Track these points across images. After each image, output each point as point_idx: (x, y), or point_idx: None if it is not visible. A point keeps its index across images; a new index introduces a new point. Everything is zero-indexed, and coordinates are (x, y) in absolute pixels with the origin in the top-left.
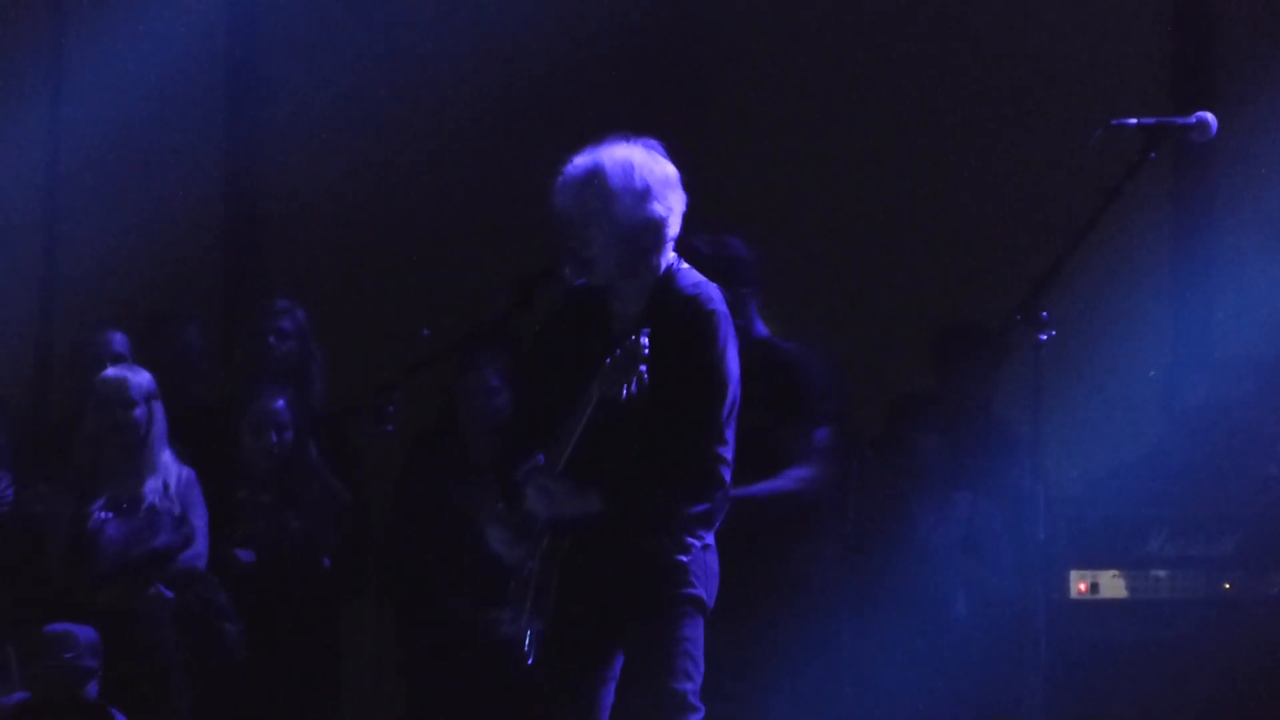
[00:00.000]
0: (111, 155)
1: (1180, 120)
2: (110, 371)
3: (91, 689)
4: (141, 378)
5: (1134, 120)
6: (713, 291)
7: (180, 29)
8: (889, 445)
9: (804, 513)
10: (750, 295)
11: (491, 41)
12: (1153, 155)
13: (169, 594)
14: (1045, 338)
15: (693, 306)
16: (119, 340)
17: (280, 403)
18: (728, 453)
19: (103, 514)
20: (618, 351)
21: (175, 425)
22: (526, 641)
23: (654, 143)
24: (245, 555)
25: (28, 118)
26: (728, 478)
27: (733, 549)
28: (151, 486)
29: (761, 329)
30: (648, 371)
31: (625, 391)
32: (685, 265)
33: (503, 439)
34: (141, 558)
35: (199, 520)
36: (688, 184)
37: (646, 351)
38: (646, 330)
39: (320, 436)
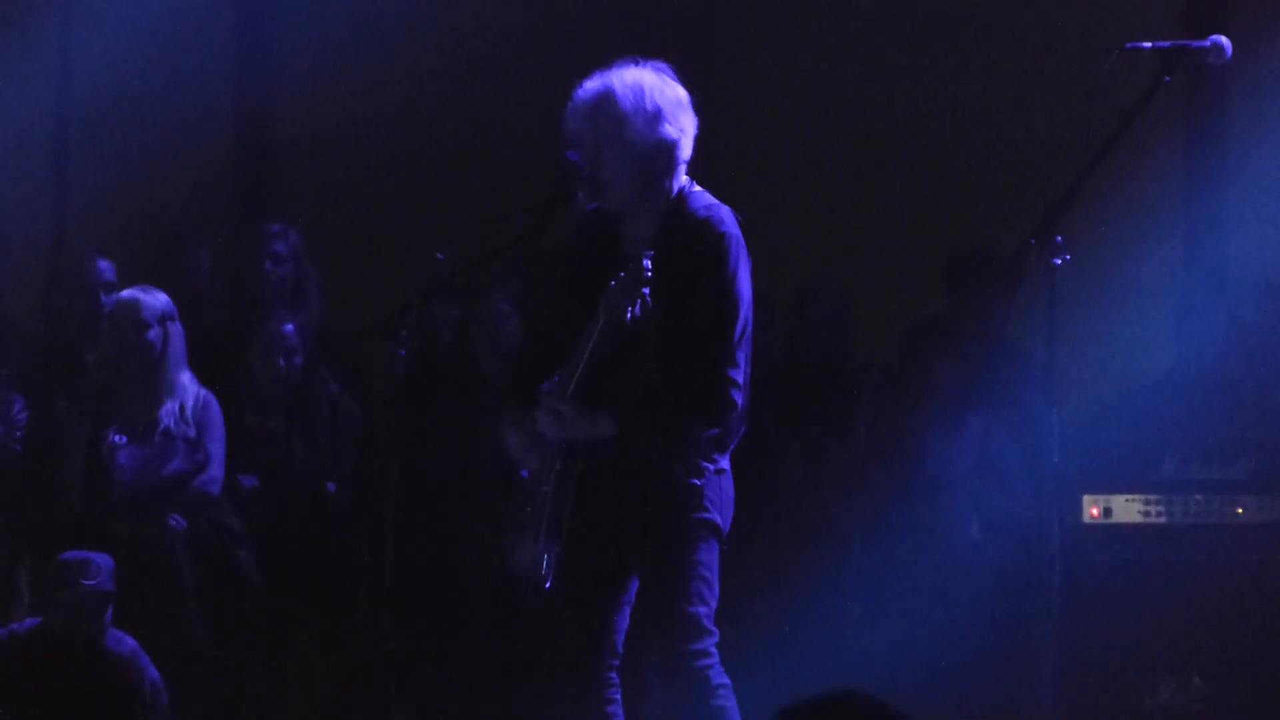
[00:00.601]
0: (122, 79)
1: (1195, 44)
2: (125, 293)
3: (108, 613)
4: (157, 299)
5: (1149, 44)
6: (724, 214)
7: None
8: (902, 370)
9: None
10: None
11: None
12: (1168, 79)
13: (181, 524)
14: (1060, 262)
15: (704, 228)
16: (107, 267)
17: (289, 327)
18: (739, 375)
19: (117, 438)
20: (621, 274)
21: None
22: (544, 564)
23: (664, 65)
24: (247, 480)
25: (38, 44)
26: (740, 400)
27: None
28: (167, 410)
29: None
30: (659, 294)
31: (629, 314)
32: (697, 188)
33: (516, 363)
34: (154, 485)
35: (215, 445)
36: (700, 113)
37: (649, 274)
38: (650, 253)
39: (329, 357)
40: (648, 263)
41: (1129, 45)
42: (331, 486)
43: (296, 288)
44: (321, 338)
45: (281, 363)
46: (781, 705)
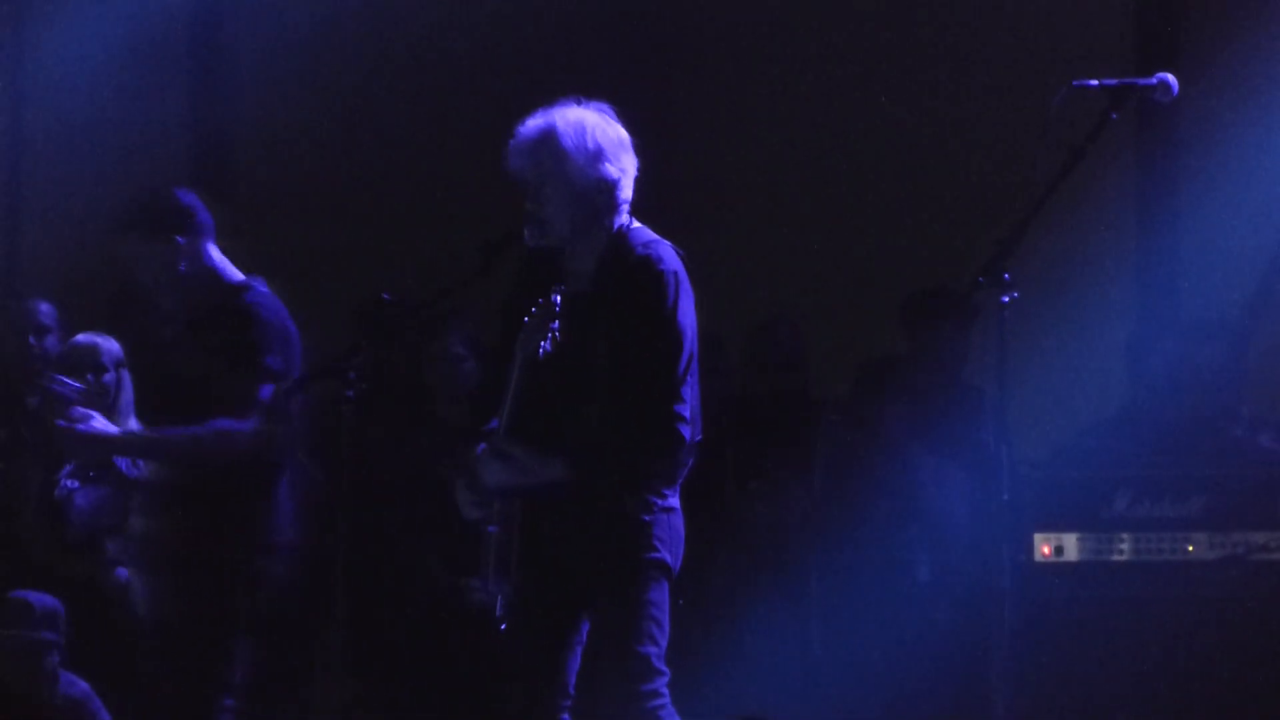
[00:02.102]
0: (76, 123)
1: (1142, 81)
2: (82, 337)
3: (51, 659)
4: (111, 344)
5: (1096, 81)
6: (664, 250)
7: None
8: (854, 409)
9: (240, 466)
10: (192, 243)
11: (455, 6)
12: (1114, 116)
13: (125, 575)
14: (1008, 299)
15: (644, 265)
16: (47, 310)
17: None
18: (685, 410)
19: (70, 482)
20: (533, 310)
21: (145, 392)
22: (498, 607)
23: (605, 106)
24: None
25: None
26: (686, 435)
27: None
28: None
29: (233, 275)
30: (599, 331)
31: (540, 349)
32: (638, 225)
33: (473, 404)
34: (110, 528)
35: None
36: (652, 154)
37: (559, 308)
38: (560, 288)
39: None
40: (556, 298)
41: (1076, 83)
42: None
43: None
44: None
45: None
46: None
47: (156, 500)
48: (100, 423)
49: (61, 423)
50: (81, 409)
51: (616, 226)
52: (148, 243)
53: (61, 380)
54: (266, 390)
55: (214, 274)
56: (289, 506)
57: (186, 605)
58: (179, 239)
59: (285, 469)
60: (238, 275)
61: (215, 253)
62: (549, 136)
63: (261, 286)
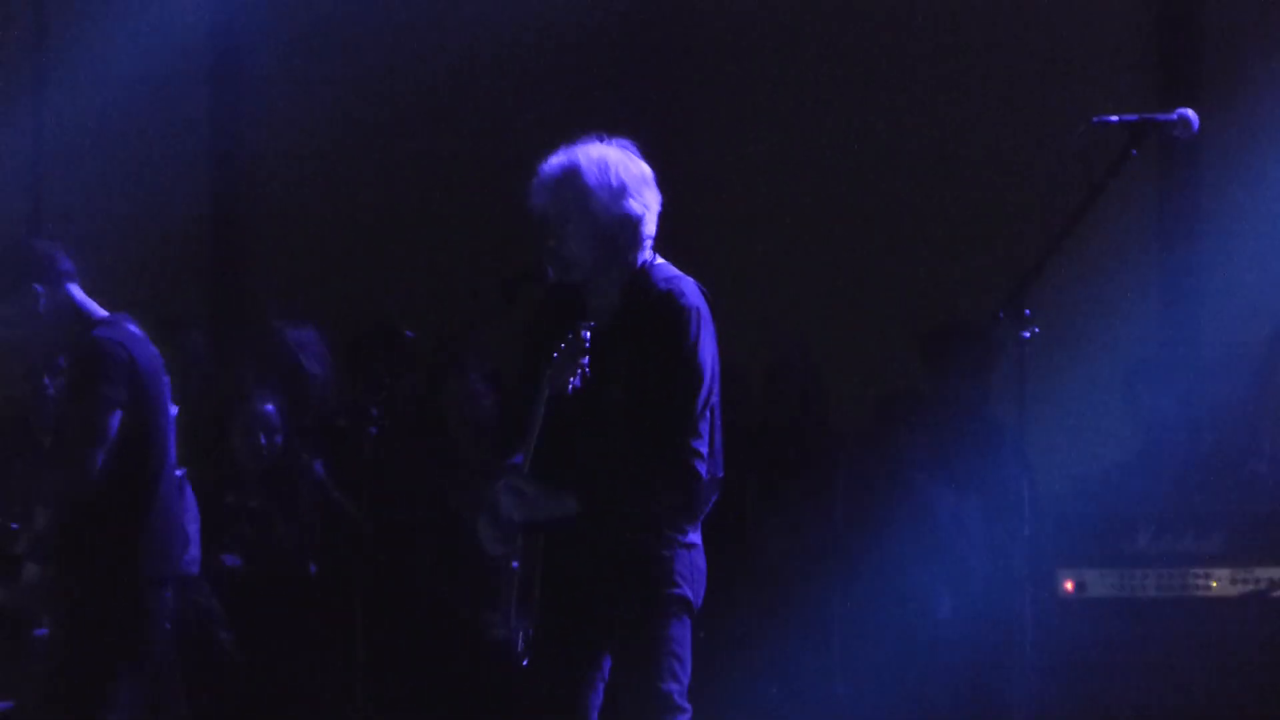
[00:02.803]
0: (96, 151)
1: (1162, 116)
2: None
3: None
4: None
5: (1116, 117)
6: (686, 286)
7: (163, 20)
8: (875, 443)
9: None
10: (52, 289)
11: (474, 39)
12: (1134, 152)
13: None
14: (1029, 334)
15: (666, 301)
16: None
17: (269, 407)
18: (703, 446)
19: None
20: (562, 346)
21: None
22: (520, 643)
23: (628, 143)
24: (230, 560)
25: (12, 114)
26: (704, 471)
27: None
28: None
29: (97, 313)
30: (620, 366)
31: (569, 385)
32: (660, 261)
33: (494, 440)
34: None
35: (192, 525)
36: (670, 184)
37: (588, 344)
38: (590, 324)
39: (324, 445)
40: (586, 334)
41: (1096, 119)
42: (313, 567)
43: (293, 372)
44: (315, 419)
45: (262, 440)
46: None
47: (40, 547)
48: None
49: None
50: None
51: (640, 263)
52: (6, 296)
53: None
54: (110, 419)
55: (77, 313)
56: (167, 535)
57: (68, 645)
58: (37, 287)
59: (153, 499)
60: (101, 313)
61: (78, 293)
62: (572, 174)
63: (126, 323)
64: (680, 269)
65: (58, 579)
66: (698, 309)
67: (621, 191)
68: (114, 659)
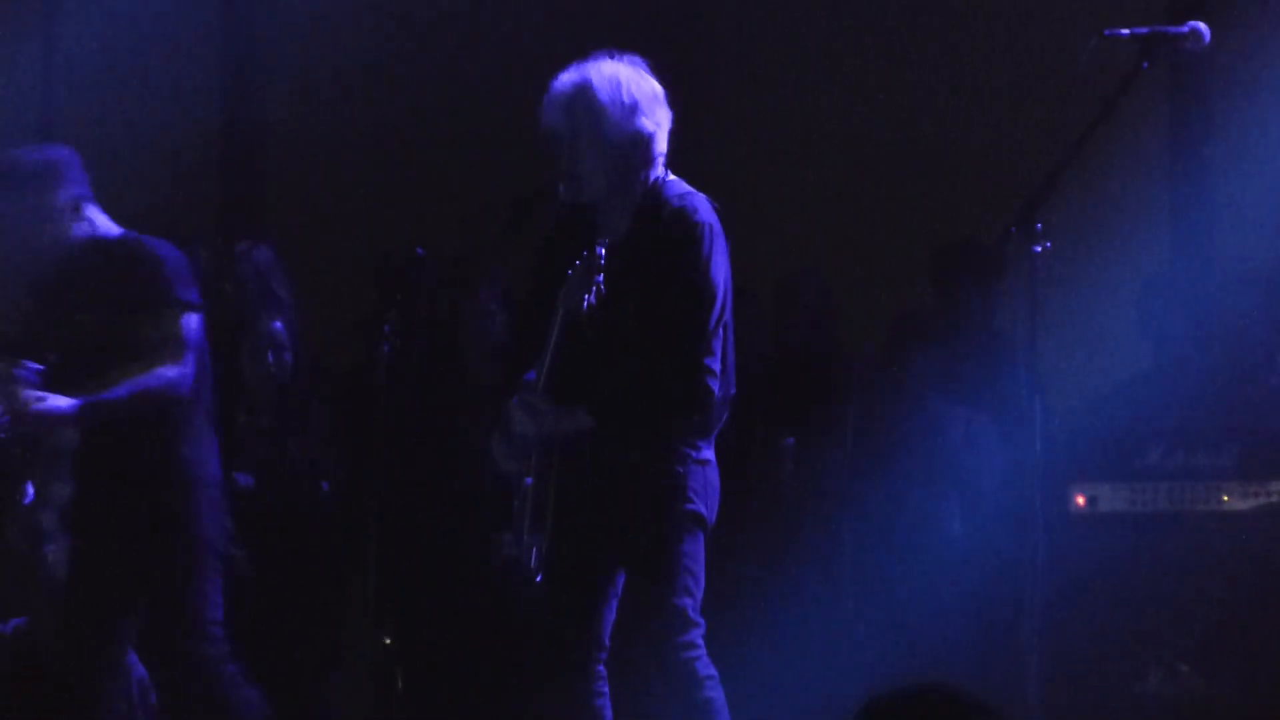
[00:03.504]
0: (106, 88)
1: (1173, 29)
2: None
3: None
4: None
5: (1126, 31)
6: (699, 202)
7: None
8: (886, 362)
9: (177, 409)
10: (76, 199)
11: None
12: (1146, 65)
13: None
14: (1040, 249)
15: (679, 216)
16: None
17: (278, 324)
18: (715, 363)
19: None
20: (577, 264)
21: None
22: (533, 558)
23: (638, 59)
24: (244, 479)
25: (21, 52)
26: (715, 388)
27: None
28: None
29: (106, 229)
30: (633, 282)
31: (585, 303)
32: (673, 178)
33: (504, 359)
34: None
35: None
36: (681, 103)
37: (603, 261)
38: (605, 240)
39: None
40: (601, 250)
41: (1107, 32)
42: (325, 485)
43: (265, 301)
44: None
45: (271, 359)
46: (866, 699)
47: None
48: (54, 400)
49: (17, 406)
50: (34, 391)
51: (651, 180)
52: (13, 200)
53: (24, 364)
54: (191, 324)
55: (91, 228)
56: (208, 441)
57: (118, 560)
58: (58, 194)
59: (202, 403)
60: (115, 229)
61: (91, 209)
62: (584, 91)
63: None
64: (693, 187)
65: (90, 498)
66: (710, 225)
67: (634, 109)
68: (175, 567)
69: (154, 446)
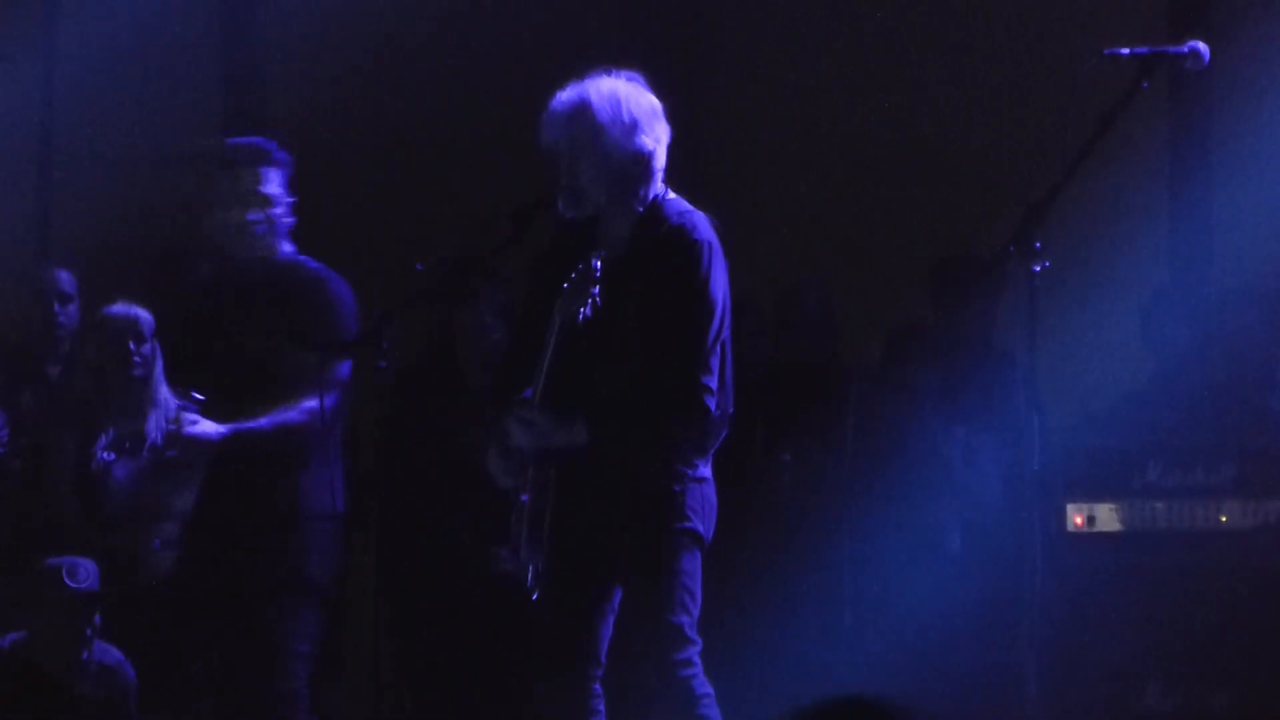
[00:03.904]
0: (107, 78)
1: (1173, 49)
2: (118, 308)
3: (95, 618)
4: (146, 314)
5: (1126, 50)
6: (698, 220)
7: None
8: (885, 378)
9: (303, 444)
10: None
11: None
12: (1145, 85)
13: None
14: (1039, 268)
15: (678, 235)
16: (66, 278)
17: None
18: (713, 381)
19: (106, 454)
20: (573, 276)
21: (186, 359)
22: (529, 576)
23: (636, 75)
24: None
25: (22, 39)
26: (711, 406)
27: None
28: (154, 424)
29: (293, 250)
30: (632, 300)
31: (580, 315)
32: (673, 195)
33: (501, 371)
34: (148, 501)
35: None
36: (683, 116)
37: (599, 274)
38: (601, 253)
39: None
40: (597, 263)
41: (1107, 51)
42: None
43: None
44: None
45: None
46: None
47: (207, 478)
48: (206, 425)
49: (171, 429)
50: (188, 414)
51: (651, 196)
52: (230, 172)
53: (190, 392)
54: (346, 368)
55: (284, 245)
56: (327, 475)
57: (231, 577)
58: (268, 175)
59: (331, 437)
60: (289, 247)
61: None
62: (584, 110)
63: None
64: (693, 202)
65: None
66: (709, 243)
67: (634, 127)
68: (286, 593)
69: (270, 475)
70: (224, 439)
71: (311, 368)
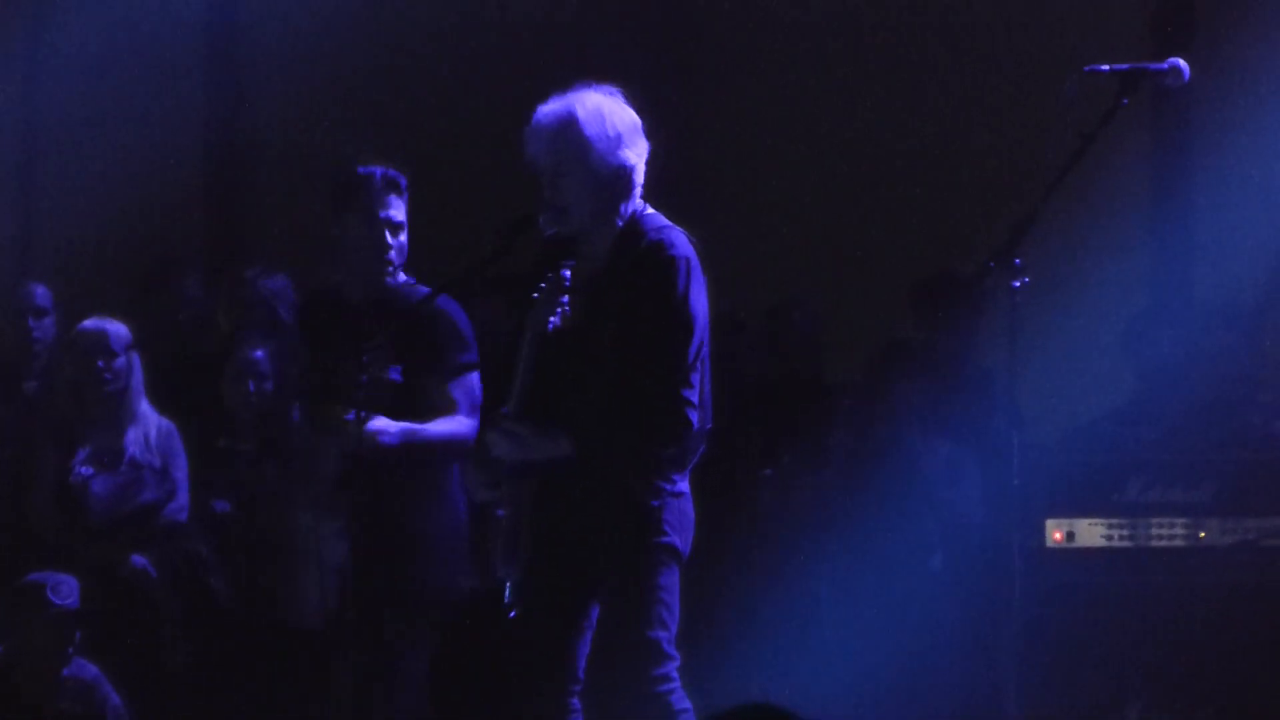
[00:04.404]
0: (90, 99)
1: (1153, 66)
2: (90, 323)
3: (75, 633)
4: (119, 328)
5: (1107, 66)
6: (676, 236)
7: None
8: (868, 395)
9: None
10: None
11: None
12: (1125, 101)
13: (141, 563)
14: (1019, 284)
15: (656, 250)
16: (41, 293)
17: (259, 353)
18: (693, 395)
19: (85, 469)
20: (542, 285)
21: (166, 375)
22: (506, 592)
23: (615, 89)
24: (220, 506)
25: (6, 58)
26: (693, 420)
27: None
28: (132, 438)
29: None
30: (611, 315)
31: (549, 324)
32: (651, 210)
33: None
34: (128, 515)
35: (179, 473)
36: (668, 132)
37: (568, 283)
38: (570, 262)
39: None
40: (566, 273)
41: (1088, 68)
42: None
43: (271, 323)
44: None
45: (251, 387)
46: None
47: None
48: (383, 421)
49: (350, 416)
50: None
51: (630, 212)
52: (362, 200)
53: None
54: (477, 382)
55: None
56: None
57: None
58: (398, 204)
59: None
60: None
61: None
62: (570, 124)
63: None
64: (676, 217)
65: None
66: (687, 259)
67: (618, 142)
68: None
69: (419, 491)
70: (400, 439)
71: (443, 391)
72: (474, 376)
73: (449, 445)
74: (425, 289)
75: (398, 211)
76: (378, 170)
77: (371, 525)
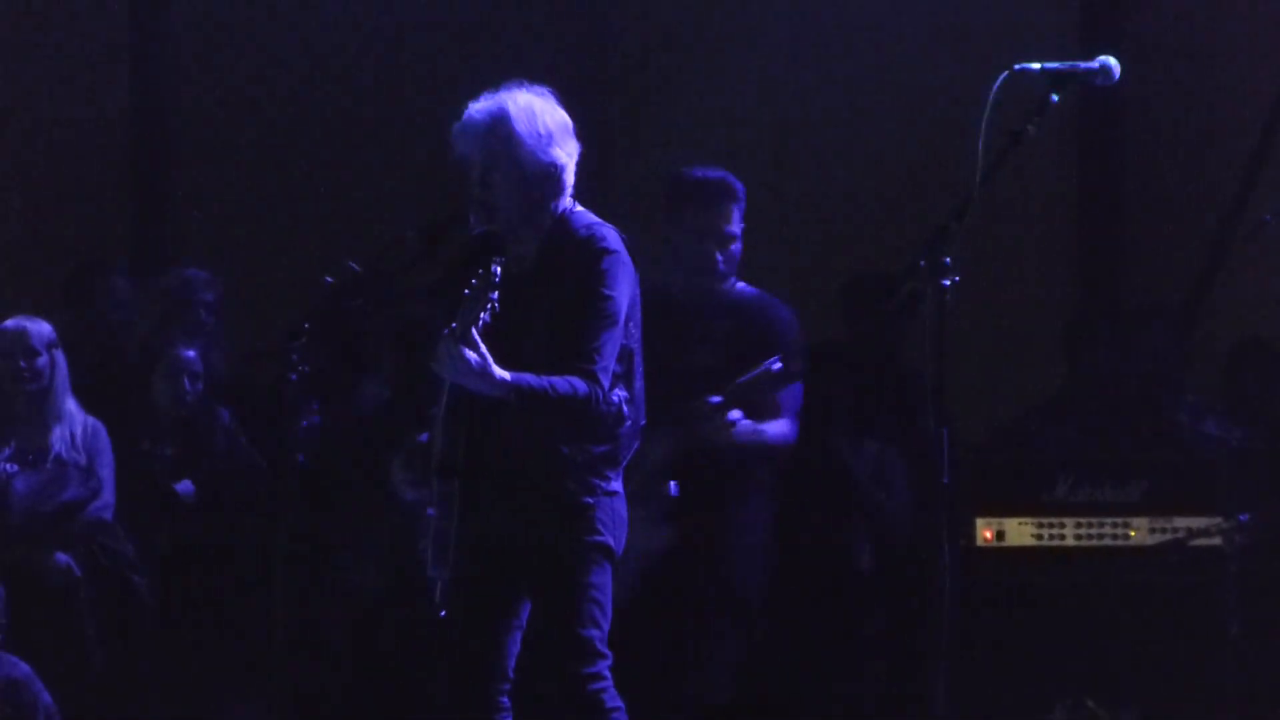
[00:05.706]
0: (11, 91)
1: (1083, 65)
2: (10, 322)
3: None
4: (41, 327)
5: (1037, 65)
6: (607, 232)
7: None
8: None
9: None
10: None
11: None
12: (1054, 99)
13: (65, 561)
14: (949, 283)
15: (586, 245)
16: None
17: (191, 353)
18: (608, 376)
19: (9, 466)
20: (473, 281)
21: (93, 375)
22: (436, 592)
23: (547, 90)
24: (183, 488)
25: None
26: (628, 415)
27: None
28: (58, 436)
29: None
30: (541, 310)
31: (481, 320)
32: (580, 209)
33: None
34: (50, 512)
35: (105, 470)
36: (595, 135)
37: (498, 279)
38: (500, 259)
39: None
40: (496, 269)
41: (1017, 67)
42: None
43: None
44: (218, 368)
45: (186, 385)
46: None
47: None
48: (736, 411)
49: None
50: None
51: (560, 210)
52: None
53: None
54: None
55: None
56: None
57: None
58: (735, 213)
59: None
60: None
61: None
62: (501, 121)
63: None
64: (604, 219)
65: None
66: (617, 252)
67: (549, 140)
68: None
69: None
70: (748, 436)
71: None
72: (799, 385)
73: (777, 447)
74: (754, 290)
75: (735, 222)
76: (715, 176)
77: (698, 516)
